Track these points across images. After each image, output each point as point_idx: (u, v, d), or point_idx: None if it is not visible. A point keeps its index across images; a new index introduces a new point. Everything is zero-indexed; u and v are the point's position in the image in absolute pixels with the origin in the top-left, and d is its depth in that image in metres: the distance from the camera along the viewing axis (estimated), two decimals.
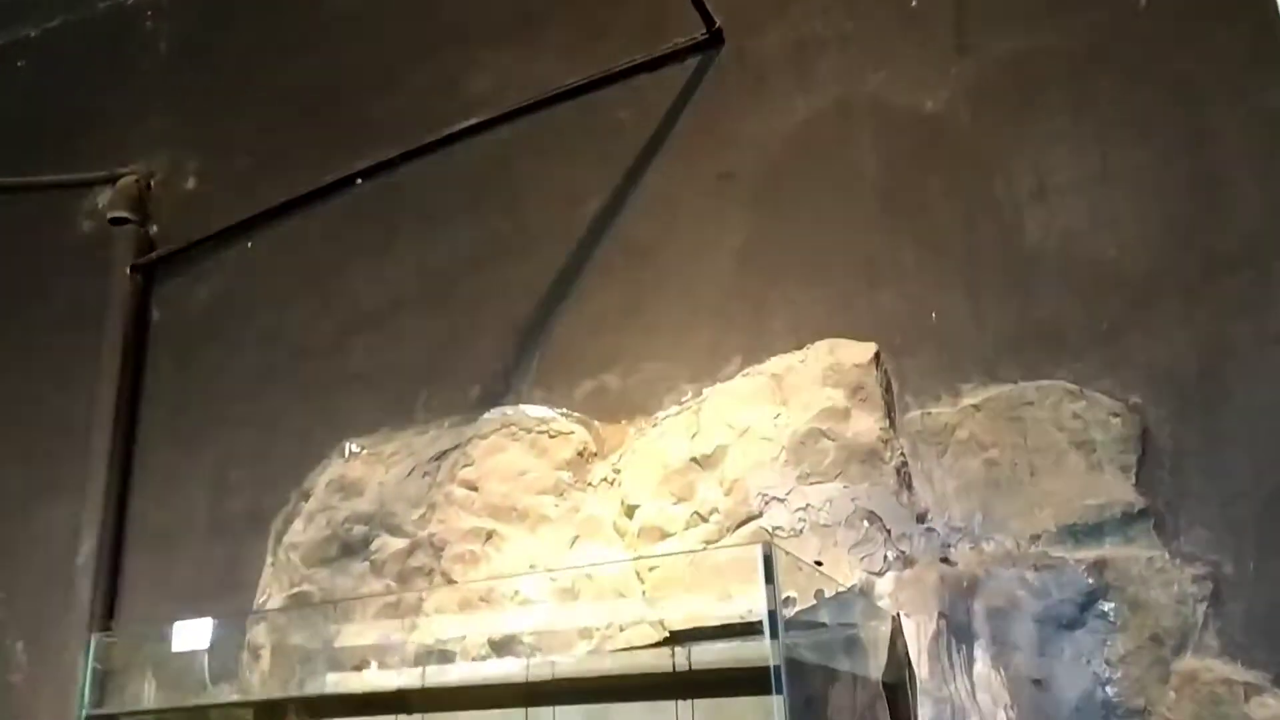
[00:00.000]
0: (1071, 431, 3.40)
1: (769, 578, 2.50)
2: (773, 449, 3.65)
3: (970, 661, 3.36)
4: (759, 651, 2.54)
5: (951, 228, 3.73)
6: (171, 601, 4.56)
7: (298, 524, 4.43)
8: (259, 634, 4.29)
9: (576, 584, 3.83)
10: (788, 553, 3.46)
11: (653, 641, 3.71)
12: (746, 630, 3.58)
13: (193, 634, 3.85)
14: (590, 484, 4.01)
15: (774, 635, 2.41)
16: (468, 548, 4.04)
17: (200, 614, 4.24)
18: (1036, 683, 3.29)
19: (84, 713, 3.48)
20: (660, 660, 5.82)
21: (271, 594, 4.37)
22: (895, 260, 3.79)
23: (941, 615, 3.35)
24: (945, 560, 3.50)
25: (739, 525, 3.64)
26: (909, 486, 3.57)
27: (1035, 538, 3.40)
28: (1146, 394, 3.34)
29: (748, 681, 5.80)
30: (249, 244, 5.11)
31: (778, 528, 3.58)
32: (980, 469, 3.51)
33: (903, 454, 3.60)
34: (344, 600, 3.96)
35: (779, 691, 2.39)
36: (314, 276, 4.91)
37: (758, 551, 2.51)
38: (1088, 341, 3.45)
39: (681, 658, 5.72)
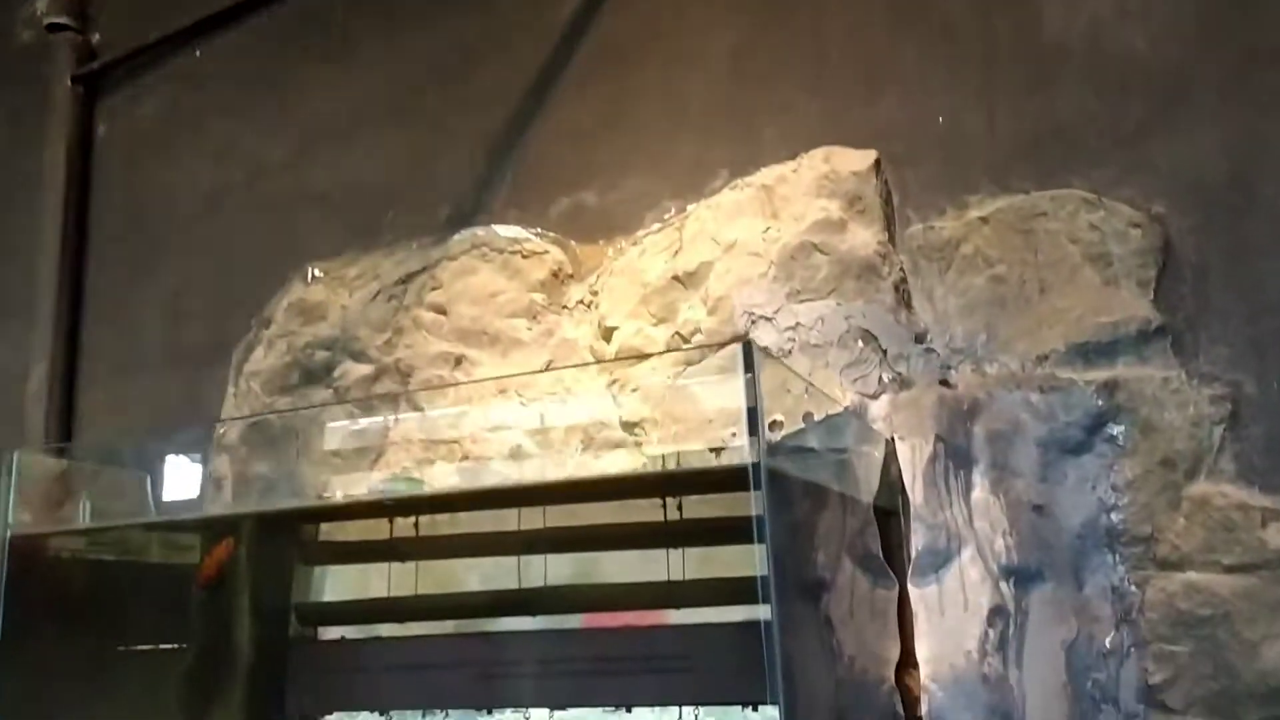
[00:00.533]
0: (1087, 244, 3.11)
1: (749, 368, 2.24)
2: (761, 264, 3.36)
3: (968, 488, 3.15)
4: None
5: (963, 20, 3.36)
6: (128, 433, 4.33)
7: (258, 352, 4.17)
8: (222, 464, 4.07)
9: (547, 418, 3.59)
10: (774, 356, 3.21)
11: (633, 470, 3.49)
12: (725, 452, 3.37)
13: (141, 456, 3.63)
14: (565, 307, 3.74)
15: (753, 433, 2.17)
16: (436, 373, 3.78)
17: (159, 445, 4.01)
18: (1037, 509, 3.09)
19: (7, 534, 3.27)
20: (652, 512, 5.73)
21: (231, 427, 4.13)
22: (899, 60, 3.44)
23: (938, 439, 3.12)
24: (944, 383, 3.25)
25: (721, 346, 3.38)
26: (907, 305, 3.30)
27: (1042, 358, 3.15)
28: (1171, 202, 3.04)
29: (738, 531, 5.71)
30: (197, 52, 4.70)
31: (764, 349, 3.32)
32: (985, 286, 3.24)
33: (901, 270, 3.32)
34: (311, 407, 3.74)
35: (757, 488, 2.16)
36: (269, 87, 4.52)
37: (738, 350, 2.26)
38: (1109, 145, 3.13)
39: (673, 508, 5.59)
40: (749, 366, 2.22)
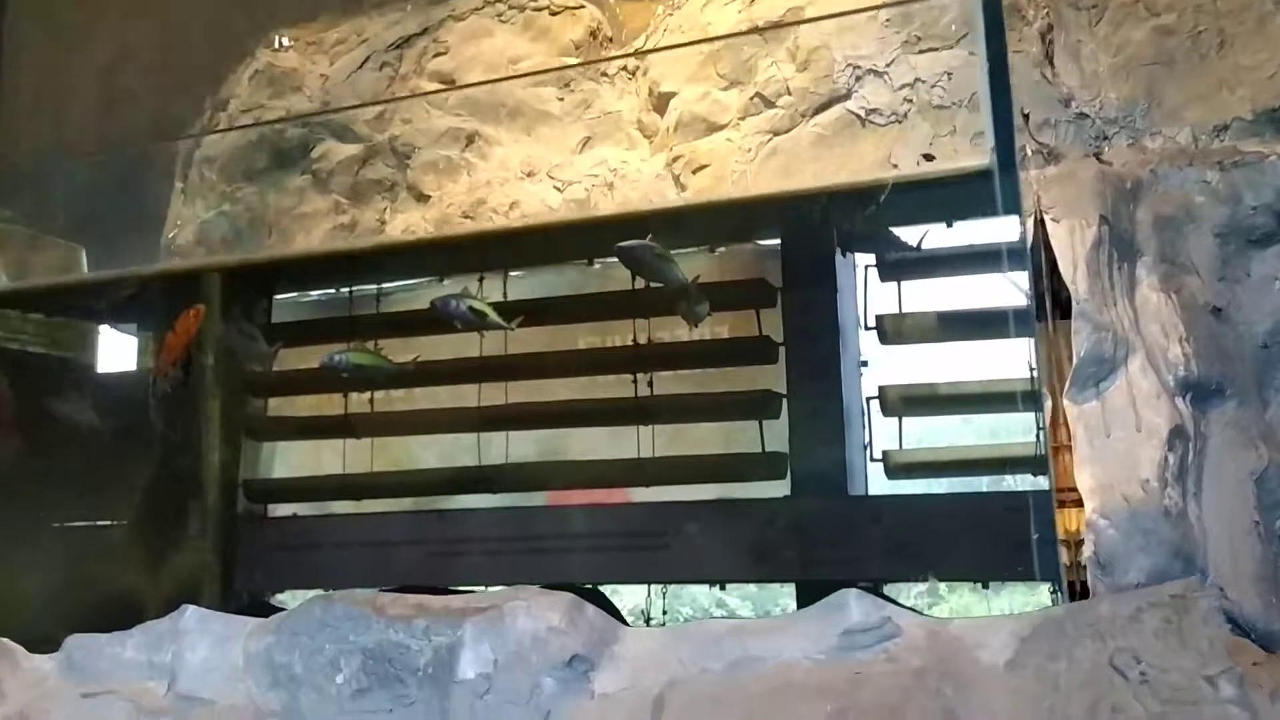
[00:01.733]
0: None
1: None
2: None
3: (1132, 284, 2.48)
4: None
5: None
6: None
7: (214, 136, 3.34)
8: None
9: (593, 195, 2.85)
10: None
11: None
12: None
13: None
14: (605, 74, 2.97)
15: None
16: (443, 153, 3.01)
17: (91, 256, 3.21)
18: (1215, 312, 2.44)
19: None
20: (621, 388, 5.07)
21: (182, 226, 3.32)
22: None
23: (1103, 220, 2.43)
24: (1097, 158, 2.57)
25: (817, 110, 2.66)
26: (1051, 62, 2.59)
27: (1221, 129, 2.48)
28: None
29: (709, 409, 5.10)
30: None
31: (873, 110, 2.60)
32: (1148, 41, 2.54)
33: (1048, 16, 2.60)
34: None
35: None
36: None
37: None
38: None
39: (643, 384, 4.97)
40: None
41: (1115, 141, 2.57)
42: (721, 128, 2.74)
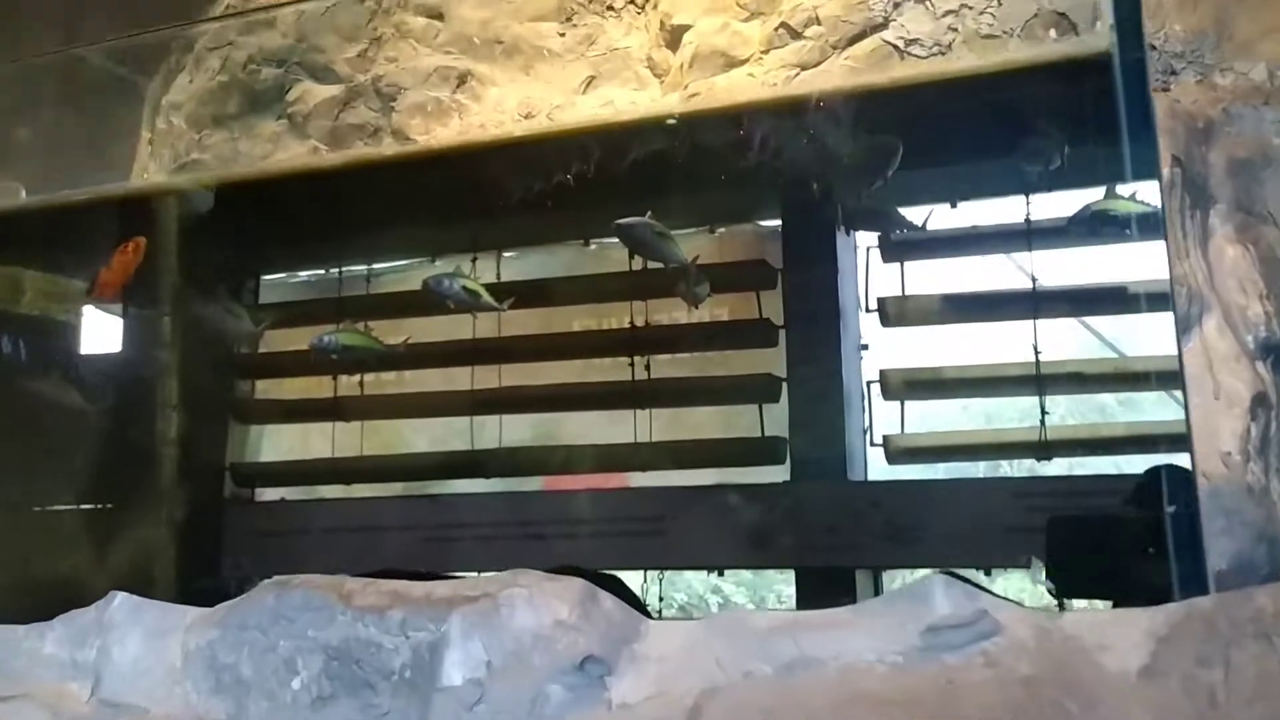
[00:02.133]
0: None
1: None
2: None
3: (1205, 234, 2.09)
4: None
5: None
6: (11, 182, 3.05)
7: (182, 78, 2.91)
8: None
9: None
10: None
11: None
12: None
13: None
14: (611, 7, 2.56)
15: None
16: (432, 95, 2.59)
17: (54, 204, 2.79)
18: None
19: None
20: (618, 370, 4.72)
21: (150, 174, 2.89)
22: None
23: (1175, 161, 2.05)
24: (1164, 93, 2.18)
25: (850, 42, 2.26)
26: None
27: None
28: None
29: (707, 392, 4.75)
30: None
31: (913, 41, 2.21)
32: None
33: None
34: None
35: None
36: None
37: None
38: None
39: (640, 368, 4.64)
40: None
41: (1182, 78, 2.17)
42: (742, 63, 2.33)
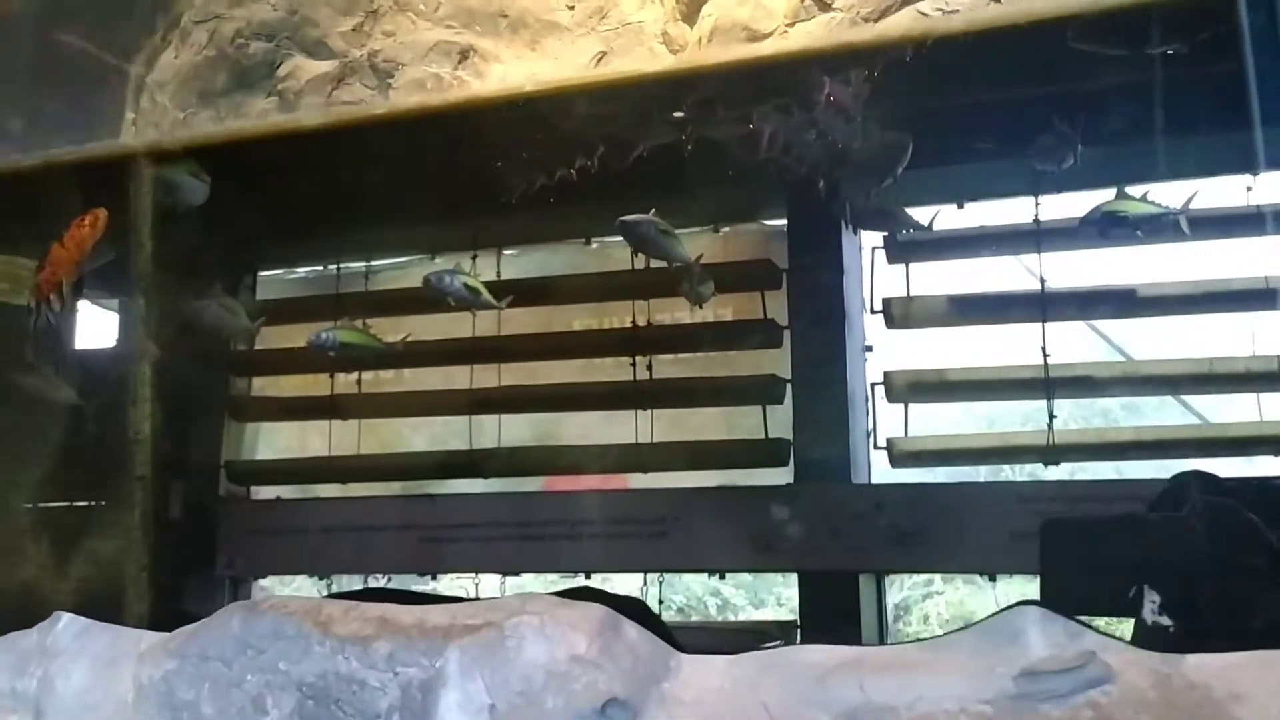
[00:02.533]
0: None
1: None
2: None
3: None
4: None
5: None
6: None
7: (167, 55, 2.64)
8: None
9: None
10: None
11: None
12: None
13: None
14: None
15: None
16: (431, 71, 2.33)
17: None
18: None
19: None
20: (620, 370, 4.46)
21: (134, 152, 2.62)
22: None
23: None
24: None
25: (882, 14, 2.01)
26: None
27: None
28: None
29: (711, 393, 4.49)
30: None
31: (952, 12, 1.96)
32: None
33: None
34: None
35: None
36: None
37: None
38: None
39: (642, 367, 4.39)
40: None
41: None
42: (765, 37, 2.07)
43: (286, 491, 5.03)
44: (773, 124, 2.35)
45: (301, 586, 5.30)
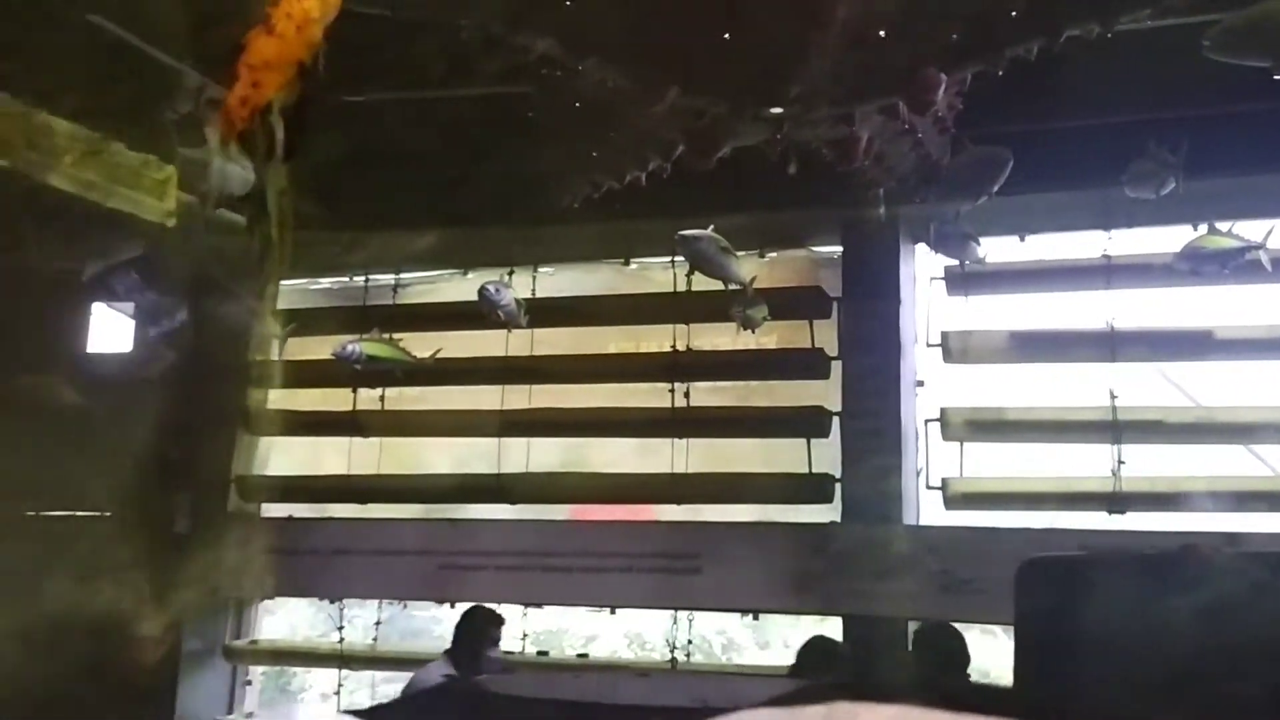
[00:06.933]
0: None
1: None
2: None
3: None
4: None
5: None
6: None
7: None
8: None
9: None
10: None
11: None
12: None
13: None
14: None
15: None
16: None
17: None
18: None
19: None
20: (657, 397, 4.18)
21: None
22: None
23: None
24: None
25: None
26: None
27: None
28: None
29: (752, 423, 4.17)
30: None
31: None
32: None
33: None
34: None
35: None
36: None
37: None
38: None
39: (680, 394, 4.08)
40: None
41: None
42: None
43: (299, 510, 4.76)
44: (873, 126, 2.09)
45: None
